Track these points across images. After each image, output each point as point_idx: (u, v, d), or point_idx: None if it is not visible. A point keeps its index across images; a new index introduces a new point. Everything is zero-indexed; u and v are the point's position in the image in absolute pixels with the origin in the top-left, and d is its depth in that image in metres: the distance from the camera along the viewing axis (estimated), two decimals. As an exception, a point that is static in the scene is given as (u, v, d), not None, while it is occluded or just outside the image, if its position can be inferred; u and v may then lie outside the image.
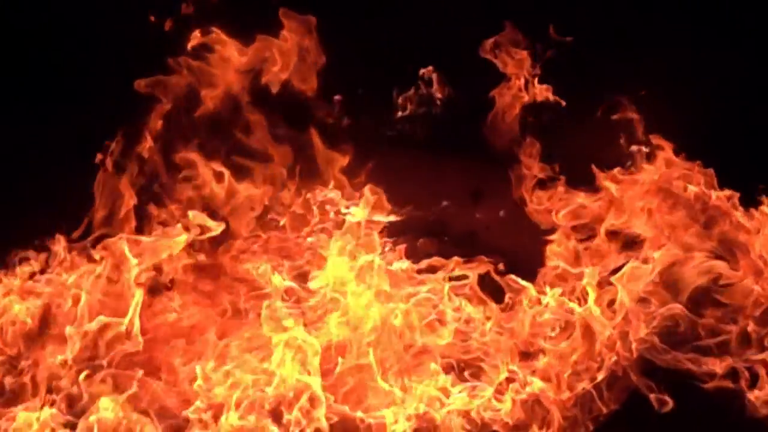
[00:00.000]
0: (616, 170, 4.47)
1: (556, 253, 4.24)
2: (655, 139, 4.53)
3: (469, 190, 4.94)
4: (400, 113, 5.06)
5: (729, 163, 4.34)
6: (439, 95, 5.02)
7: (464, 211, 4.89)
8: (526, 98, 4.81)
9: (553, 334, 4.07)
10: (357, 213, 4.52)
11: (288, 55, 4.72)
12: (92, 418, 3.79)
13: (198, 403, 3.85)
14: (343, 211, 4.60)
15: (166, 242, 4.29)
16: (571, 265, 4.19)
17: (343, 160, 4.72)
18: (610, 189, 4.37)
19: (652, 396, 3.87)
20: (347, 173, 4.72)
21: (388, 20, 5.00)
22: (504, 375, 3.99)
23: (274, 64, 4.72)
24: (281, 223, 4.64)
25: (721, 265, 4.06)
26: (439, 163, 5.01)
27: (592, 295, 4.04)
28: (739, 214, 4.14)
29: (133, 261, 4.17)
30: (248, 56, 4.72)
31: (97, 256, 4.24)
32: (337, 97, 4.94)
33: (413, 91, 5.02)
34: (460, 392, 3.98)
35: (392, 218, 4.55)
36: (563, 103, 4.80)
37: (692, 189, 4.22)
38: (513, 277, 4.23)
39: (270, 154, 4.71)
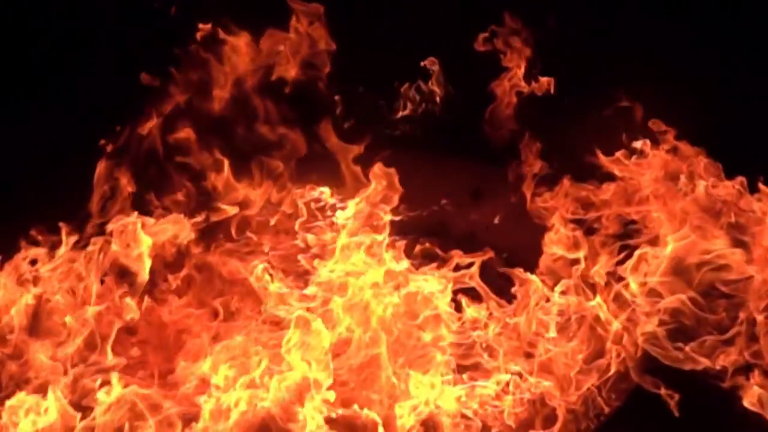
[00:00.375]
0: (620, 153, 4.43)
1: (554, 241, 4.22)
2: (656, 125, 4.51)
3: (469, 190, 4.94)
4: (400, 112, 5.06)
5: (727, 150, 4.34)
6: (439, 92, 5.03)
7: (464, 210, 4.89)
8: (526, 89, 4.82)
9: (552, 335, 4.05)
10: (346, 213, 4.49)
11: (298, 47, 4.72)
12: (100, 395, 3.81)
13: (213, 391, 3.84)
14: (328, 214, 4.58)
15: (173, 226, 4.33)
16: (570, 253, 4.17)
17: (358, 149, 4.70)
18: (616, 174, 4.34)
19: (662, 392, 3.84)
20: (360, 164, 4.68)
21: (388, 18, 5.03)
22: (507, 376, 3.98)
23: (285, 58, 4.73)
24: (271, 222, 4.62)
25: (731, 255, 4.01)
26: (439, 163, 5.01)
27: (600, 286, 4.03)
28: (748, 201, 4.10)
29: (145, 238, 4.19)
30: (258, 49, 4.72)
31: (110, 228, 4.25)
32: (336, 97, 4.95)
33: (414, 89, 5.03)
34: (463, 389, 3.97)
35: (389, 217, 4.50)
36: (564, 97, 4.81)
37: (702, 183, 4.19)
38: (519, 270, 4.20)
39: (276, 149, 4.72)
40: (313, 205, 4.63)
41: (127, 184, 4.44)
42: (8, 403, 3.82)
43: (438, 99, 5.07)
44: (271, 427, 3.74)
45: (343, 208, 4.51)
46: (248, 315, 4.26)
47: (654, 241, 4.08)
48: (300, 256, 4.41)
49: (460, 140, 5.05)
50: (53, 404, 3.77)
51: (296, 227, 4.56)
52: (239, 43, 4.70)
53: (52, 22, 5.09)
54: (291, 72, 4.74)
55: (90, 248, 4.19)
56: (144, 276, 4.16)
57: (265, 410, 3.75)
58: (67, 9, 5.04)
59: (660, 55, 4.86)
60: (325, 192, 4.68)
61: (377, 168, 4.46)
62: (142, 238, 4.18)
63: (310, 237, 4.49)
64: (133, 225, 4.20)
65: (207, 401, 3.81)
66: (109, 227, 4.23)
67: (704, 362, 3.84)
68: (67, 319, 4.02)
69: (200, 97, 4.70)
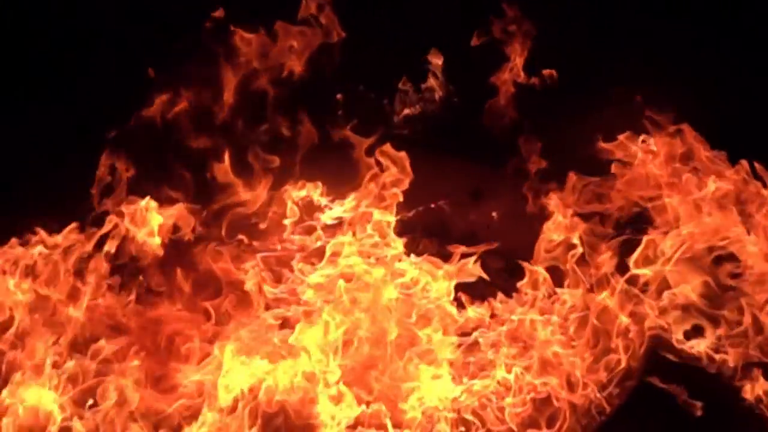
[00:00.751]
0: (623, 136, 4.41)
1: (552, 229, 4.20)
2: (653, 113, 4.47)
3: (469, 190, 4.93)
4: (401, 112, 5.06)
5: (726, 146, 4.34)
6: (439, 91, 5.03)
7: (464, 210, 4.89)
8: (526, 81, 4.81)
9: (557, 333, 4.03)
10: (334, 213, 4.48)
11: (308, 36, 4.72)
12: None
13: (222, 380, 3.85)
14: (317, 215, 4.56)
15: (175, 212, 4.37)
16: (568, 241, 4.15)
17: (370, 141, 4.65)
18: (622, 159, 4.33)
19: (667, 387, 3.83)
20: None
21: (389, 17, 5.04)
22: (510, 374, 3.96)
23: (294, 49, 4.73)
24: (262, 226, 4.59)
25: (741, 246, 3.97)
26: (439, 163, 5.01)
27: (606, 278, 4.01)
28: (756, 187, 4.08)
29: (156, 216, 4.27)
30: (267, 41, 4.73)
31: (124, 210, 4.31)
32: (338, 96, 4.95)
33: (415, 89, 5.04)
34: (465, 386, 3.96)
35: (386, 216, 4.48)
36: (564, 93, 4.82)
37: (712, 178, 4.17)
38: (526, 263, 4.19)
39: (283, 144, 4.72)
40: (301, 203, 4.60)
41: (128, 176, 4.47)
42: (14, 379, 3.86)
43: (438, 98, 5.07)
44: (285, 416, 3.75)
45: (330, 208, 4.49)
46: (239, 318, 4.25)
47: (664, 230, 4.07)
48: (294, 262, 4.37)
49: (460, 140, 5.05)
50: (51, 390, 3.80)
51: (289, 228, 4.54)
52: (248, 35, 4.71)
53: (52, 22, 5.09)
54: (300, 64, 4.73)
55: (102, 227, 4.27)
56: (157, 250, 4.22)
57: (278, 401, 3.77)
58: (67, 9, 5.04)
59: (660, 55, 4.86)
60: (315, 191, 4.64)
61: (386, 148, 4.45)
62: (152, 217, 4.25)
63: (310, 236, 4.48)
64: (146, 205, 4.28)
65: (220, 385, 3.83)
66: (121, 208, 4.31)
67: (714, 357, 3.84)
68: (70, 310, 4.03)
69: (205, 89, 4.71)
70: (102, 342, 4.02)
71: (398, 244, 4.19)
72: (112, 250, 4.23)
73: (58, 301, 4.11)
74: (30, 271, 4.16)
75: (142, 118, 4.62)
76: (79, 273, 4.19)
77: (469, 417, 3.88)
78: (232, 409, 3.78)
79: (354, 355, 3.93)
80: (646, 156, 4.30)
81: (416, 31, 5.04)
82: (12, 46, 5.05)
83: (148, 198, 4.34)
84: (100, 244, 4.27)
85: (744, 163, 4.15)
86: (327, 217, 4.48)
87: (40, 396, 3.84)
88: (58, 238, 4.23)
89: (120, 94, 4.81)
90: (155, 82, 4.69)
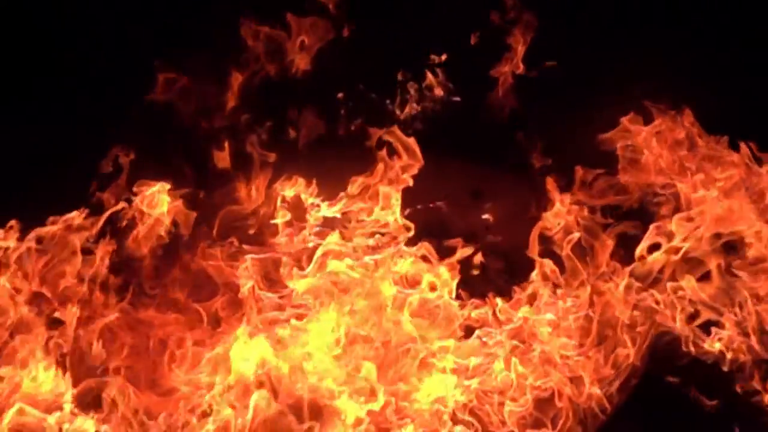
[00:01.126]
0: (626, 119, 4.40)
1: (551, 218, 4.20)
2: (650, 105, 4.47)
3: (469, 190, 4.94)
4: (402, 111, 5.07)
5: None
6: (441, 92, 5.05)
7: (464, 210, 4.89)
8: (526, 73, 4.82)
9: (557, 337, 4.03)
10: (323, 213, 4.48)
11: (317, 34, 4.74)
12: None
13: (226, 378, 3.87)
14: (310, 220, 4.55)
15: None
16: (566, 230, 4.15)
17: (380, 132, 4.67)
18: (626, 145, 4.33)
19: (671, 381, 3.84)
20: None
21: (390, 17, 5.05)
22: (511, 373, 3.95)
23: (302, 46, 4.76)
24: (251, 231, 4.58)
25: (753, 235, 3.98)
26: (439, 163, 5.01)
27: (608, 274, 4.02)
28: (757, 172, 4.09)
29: (165, 198, 4.32)
30: (274, 37, 4.74)
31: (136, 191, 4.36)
32: (340, 95, 4.96)
33: (416, 89, 5.05)
34: (466, 385, 3.95)
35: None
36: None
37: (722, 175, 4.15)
38: (536, 257, 4.19)
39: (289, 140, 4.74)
40: (296, 200, 4.59)
41: (129, 168, 4.48)
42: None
43: (439, 97, 5.08)
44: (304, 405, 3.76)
45: (318, 207, 4.49)
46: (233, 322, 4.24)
47: (670, 219, 4.06)
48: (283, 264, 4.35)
49: (461, 139, 5.05)
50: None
51: (281, 227, 4.53)
52: (256, 27, 4.72)
53: (52, 22, 5.08)
54: (307, 58, 4.75)
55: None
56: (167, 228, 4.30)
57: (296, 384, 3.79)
58: (67, 9, 5.03)
59: (660, 47, 4.87)
60: (307, 191, 4.63)
61: (395, 129, 4.43)
62: (164, 201, 4.29)
63: (308, 235, 4.47)
64: (158, 189, 4.33)
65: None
66: (134, 189, 4.37)
67: (725, 353, 3.85)
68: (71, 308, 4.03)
69: (208, 83, 4.72)
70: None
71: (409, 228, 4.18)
72: (122, 225, 4.25)
73: (55, 297, 4.12)
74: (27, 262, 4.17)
75: (143, 112, 4.63)
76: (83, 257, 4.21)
77: (468, 417, 3.88)
78: (248, 391, 3.78)
79: (354, 354, 3.93)
80: (650, 144, 4.29)
81: (417, 30, 5.05)
82: (12, 46, 5.05)
83: (161, 184, 4.37)
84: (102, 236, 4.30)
85: (744, 147, 4.15)
86: (326, 213, 4.47)
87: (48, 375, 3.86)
88: (64, 221, 4.25)
89: (121, 91, 4.81)
90: (158, 72, 4.70)
